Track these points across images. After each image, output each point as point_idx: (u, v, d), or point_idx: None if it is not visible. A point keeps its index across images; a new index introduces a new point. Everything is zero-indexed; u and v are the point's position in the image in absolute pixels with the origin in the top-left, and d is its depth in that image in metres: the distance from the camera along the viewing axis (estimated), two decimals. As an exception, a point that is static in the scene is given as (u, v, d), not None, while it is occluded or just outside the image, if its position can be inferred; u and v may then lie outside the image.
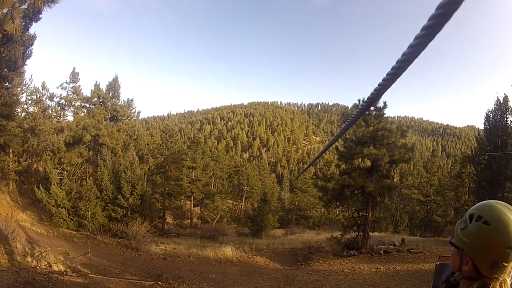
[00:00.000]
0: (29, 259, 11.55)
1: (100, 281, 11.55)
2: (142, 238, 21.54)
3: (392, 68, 1.06)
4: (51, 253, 12.84)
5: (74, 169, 27.47)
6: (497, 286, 1.57)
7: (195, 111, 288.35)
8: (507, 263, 1.54)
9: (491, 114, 28.91)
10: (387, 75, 1.11)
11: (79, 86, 31.84)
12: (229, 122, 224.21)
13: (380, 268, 16.96)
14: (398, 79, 1.05)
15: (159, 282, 12.20)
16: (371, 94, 1.29)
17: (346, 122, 1.85)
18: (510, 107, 27.74)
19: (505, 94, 28.29)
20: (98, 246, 20.06)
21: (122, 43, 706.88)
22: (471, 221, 1.63)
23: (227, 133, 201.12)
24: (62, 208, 23.63)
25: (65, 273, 11.11)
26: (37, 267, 10.58)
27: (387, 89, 1.17)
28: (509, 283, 1.60)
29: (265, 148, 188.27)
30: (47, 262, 11.47)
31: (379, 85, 1.18)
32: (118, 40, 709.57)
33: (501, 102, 28.21)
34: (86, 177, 27.45)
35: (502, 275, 1.57)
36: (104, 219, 24.60)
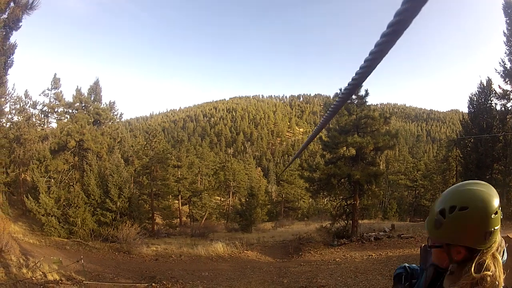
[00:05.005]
0: (24, 270, 11.57)
1: (95, 287, 11.59)
2: (133, 241, 21.55)
3: (365, 61, 1.09)
4: (45, 263, 12.83)
5: (61, 176, 27.15)
6: (490, 261, 1.56)
7: (177, 110, 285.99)
8: (498, 226, 1.56)
9: (475, 97, 29.33)
10: (360, 68, 1.14)
11: (61, 92, 31.31)
12: (212, 119, 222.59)
13: (372, 255, 17.07)
14: (377, 67, 1.06)
15: (153, 284, 12.22)
16: (348, 84, 1.30)
17: (327, 113, 1.82)
18: (494, 90, 28.12)
19: (488, 77, 28.77)
20: (90, 252, 20.01)
21: (101, 46, 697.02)
22: (445, 216, 1.60)
23: (210, 129, 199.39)
24: (52, 216, 23.57)
25: (60, 282, 11.10)
26: (33, 278, 10.61)
27: (365, 79, 1.18)
28: (500, 260, 1.61)
29: (249, 142, 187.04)
30: (42, 272, 11.48)
31: (356, 73, 1.20)
32: (97, 43, 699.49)
33: (485, 85, 28.65)
34: (73, 183, 27.23)
35: (495, 242, 1.59)
36: (94, 225, 24.55)
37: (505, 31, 25.78)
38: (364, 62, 1.09)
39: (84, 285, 11.49)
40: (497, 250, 1.62)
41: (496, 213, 1.53)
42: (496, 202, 1.54)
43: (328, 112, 1.77)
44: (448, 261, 1.68)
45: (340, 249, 20.04)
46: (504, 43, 25.92)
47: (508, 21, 25.49)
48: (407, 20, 0.84)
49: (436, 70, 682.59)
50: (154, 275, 14.78)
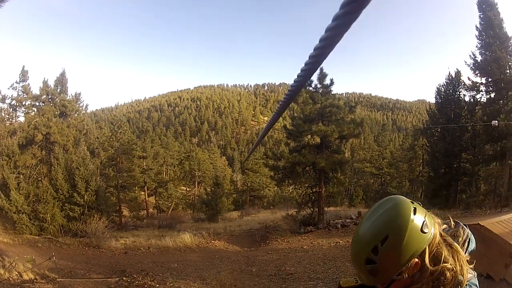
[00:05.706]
0: (1, 271, 11.62)
1: (68, 284, 11.65)
2: (102, 235, 21.59)
3: (315, 49, 1.00)
4: (20, 262, 12.76)
5: (30, 171, 26.89)
6: (446, 252, 1.42)
7: (142, 100, 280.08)
8: (424, 213, 1.41)
9: (443, 88, 30.69)
10: (309, 57, 1.05)
11: (29, 84, 30.49)
12: (177, 108, 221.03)
13: (339, 242, 17.54)
14: (330, 54, 0.96)
15: (124, 278, 12.30)
16: (297, 76, 1.23)
17: (282, 100, 1.67)
18: (463, 82, 29.24)
19: (457, 69, 30.13)
20: (61, 248, 19.81)
21: (68, 35, 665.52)
22: (375, 261, 1.41)
23: (175, 119, 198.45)
24: (23, 214, 23.08)
25: (35, 280, 11.17)
26: (10, 279, 10.80)
27: (315, 70, 1.13)
28: (460, 250, 1.46)
29: (213, 132, 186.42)
30: (18, 272, 11.53)
31: (306, 64, 1.10)
32: (64, 33, 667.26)
33: (453, 77, 29.91)
34: (42, 178, 26.93)
35: (435, 224, 1.44)
36: (63, 220, 24.27)
37: (478, 26, 26.67)
38: (309, 58, 1.05)
39: (58, 282, 11.54)
40: (454, 238, 1.51)
41: (414, 209, 1.39)
42: (404, 202, 1.43)
43: (282, 100, 1.67)
44: (409, 281, 1.48)
45: (307, 237, 20.53)
46: (476, 36, 26.82)
47: (481, 15, 26.38)
48: (355, 11, 0.78)
49: (403, 62, 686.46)
50: (124, 268, 14.74)
